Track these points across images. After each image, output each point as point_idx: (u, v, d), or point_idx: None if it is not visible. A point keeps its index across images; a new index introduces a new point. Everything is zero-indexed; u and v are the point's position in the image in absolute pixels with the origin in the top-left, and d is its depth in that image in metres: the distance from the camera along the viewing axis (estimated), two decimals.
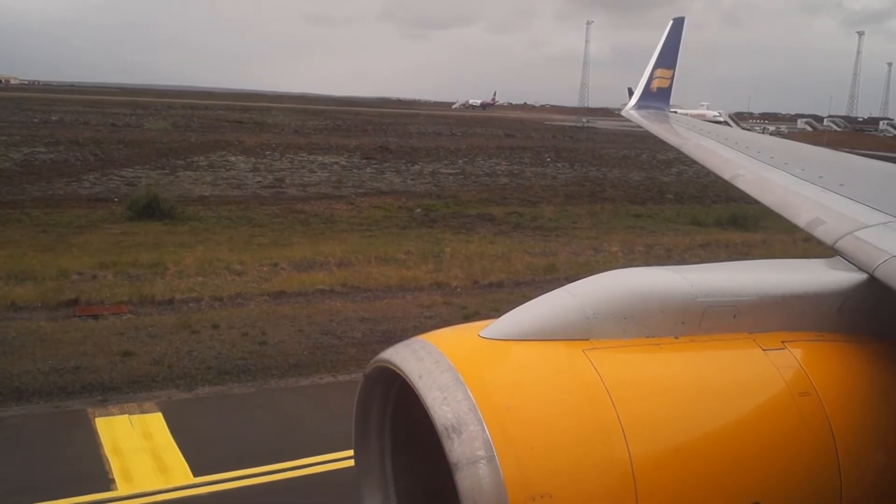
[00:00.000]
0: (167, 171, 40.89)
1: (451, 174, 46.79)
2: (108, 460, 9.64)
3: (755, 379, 2.87)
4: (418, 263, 20.72)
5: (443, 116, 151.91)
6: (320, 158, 51.59)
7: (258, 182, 38.72)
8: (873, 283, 3.18)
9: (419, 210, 31.91)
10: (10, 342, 13.38)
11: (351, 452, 3.03)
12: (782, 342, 3.01)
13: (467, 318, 15.50)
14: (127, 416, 11.00)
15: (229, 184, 37.67)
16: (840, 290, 3.20)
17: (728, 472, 2.66)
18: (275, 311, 16.09)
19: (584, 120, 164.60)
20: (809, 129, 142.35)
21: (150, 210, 26.77)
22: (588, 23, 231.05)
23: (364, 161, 51.28)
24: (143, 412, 11.14)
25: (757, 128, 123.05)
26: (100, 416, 10.93)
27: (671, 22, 12.34)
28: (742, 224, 30.26)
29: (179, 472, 9.48)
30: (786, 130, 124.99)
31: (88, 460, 9.64)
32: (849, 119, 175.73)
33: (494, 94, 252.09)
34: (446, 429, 2.36)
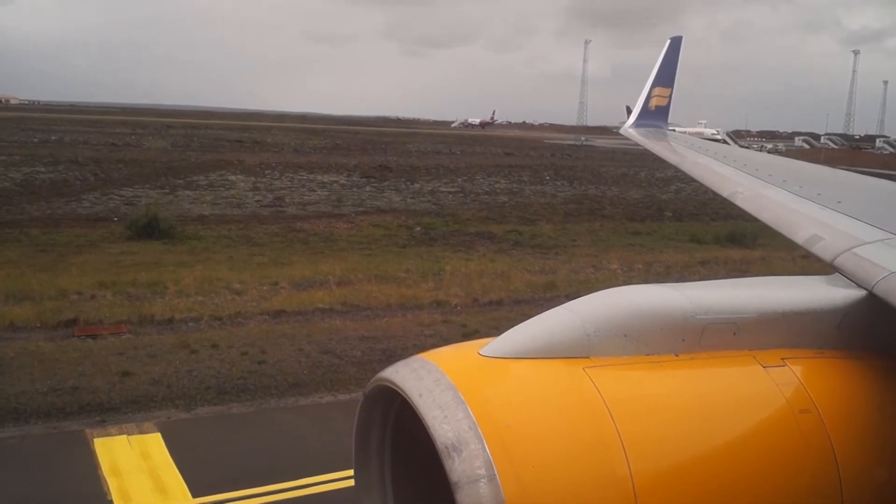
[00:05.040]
0: (167, 191, 40.95)
1: (450, 192, 46.89)
2: (106, 481, 9.58)
3: (755, 396, 2.87)
4: (418, 282, 20.71)
5: (442, 135, 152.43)
6: (320, 177, 51.68)
7: (258, 201, 38.76)
8: (872, 300, 3.18)
9: (419, 228, 31.93)
10: (8, 362, 13.33)
11: (351, 472, 3.02)
12: (782, 359, 3.01)
13: (467, 336, 15.46)
14: (125, 436, 10.94)
15: (229, 203, 37.71)
16: (839, 306, 3.20)
17: (729, 490, 2.65)
18: (274, 330, 16.05)
19: (582, 138, 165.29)
20: (807, 146, 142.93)
21: (149, 229, 26.76)
22: (586, 42, 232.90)
23: (364, 180, 51.40)
24: (141, 432, 11.09)
25: (754, 145, 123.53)
26: (98, 436, 10.87)
27: (669, 41, 12.43)
28: (741, 241, 30.30)
29: (178, 492, 9.42)
30: (783, 148, 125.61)
31: (86, 481, 9.58)
32: (846, 137, 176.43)
33: (493, 113, 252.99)
34: (447, 447, 2.36)
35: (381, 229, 31.39)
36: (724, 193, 5.82)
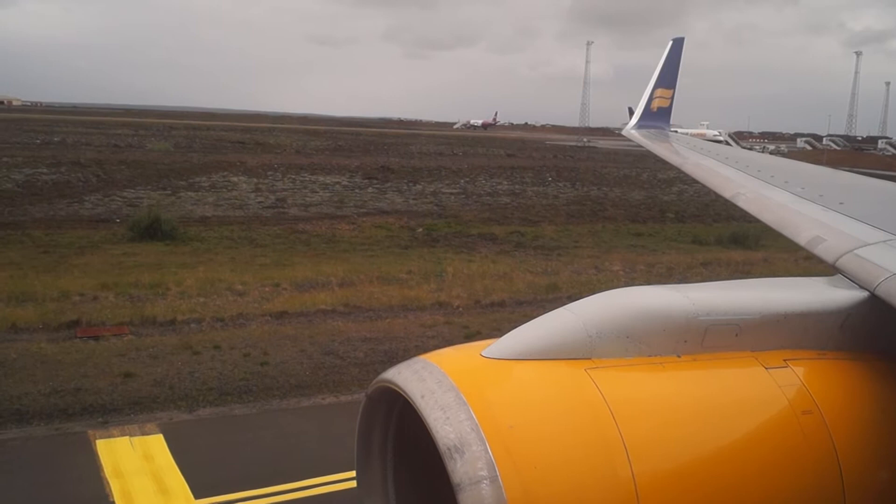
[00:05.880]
0: (169, 192, 41.01)
1: (452, 194, 46.90)
2: (108, 483, 9.58)
3: (758, 397, 2.87)
4: (420, 283, 20.70)
5: (444, 136, 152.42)
6: (322, 178, 51.73)
7: (260, 202, 38.81)
8: (874, 301, 3.18)
9: (421, 230, 31.94)
10: (10, 364, 13.34)
11: (353, 473, 3.02)
12: (784, 360, 3.01)
13: (469, 337, 15.46)
14: (128, 437, 10.95)
15: (231, 204, 37.76)
16: (841, 307, 3.20)
17: (731, 491, 2.65)
18: (276, 331, 16.06)
19: (584, 139, 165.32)
20: (809, 147, 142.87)
21: (151, 231, 26.80)
22: (588, 43, 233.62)
23: (366, 181, 51.44)
24: (144, 434, 11.09)
25: (757, 147, 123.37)
26: (100, 437, 10.88)
27: (671, 42, 12.45)
28: (743, 242, 30.30)
29: (181, 494, 9.42)
30: (785, 149, 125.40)
31: (89, 483, 9.58)
32: (848, 138, 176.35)
33: (496, 114, 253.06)
34: (449, 449, 2.36)
35: (383, 230, 31.41)
36: (727, 195, 5.82)
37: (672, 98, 12.44)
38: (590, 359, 2.74)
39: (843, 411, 2.94)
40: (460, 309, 18.52)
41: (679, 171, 8.18)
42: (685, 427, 2.68)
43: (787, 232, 4.39)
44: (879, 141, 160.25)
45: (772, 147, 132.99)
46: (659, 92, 12.36)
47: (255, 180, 48.47)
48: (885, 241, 3.64)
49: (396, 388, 2.64)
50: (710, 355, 2.94)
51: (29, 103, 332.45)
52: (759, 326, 3.04)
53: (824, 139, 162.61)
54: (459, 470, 2.32)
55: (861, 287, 3.29)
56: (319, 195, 42.84)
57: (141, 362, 13.78)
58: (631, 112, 13.64)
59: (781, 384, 2.90)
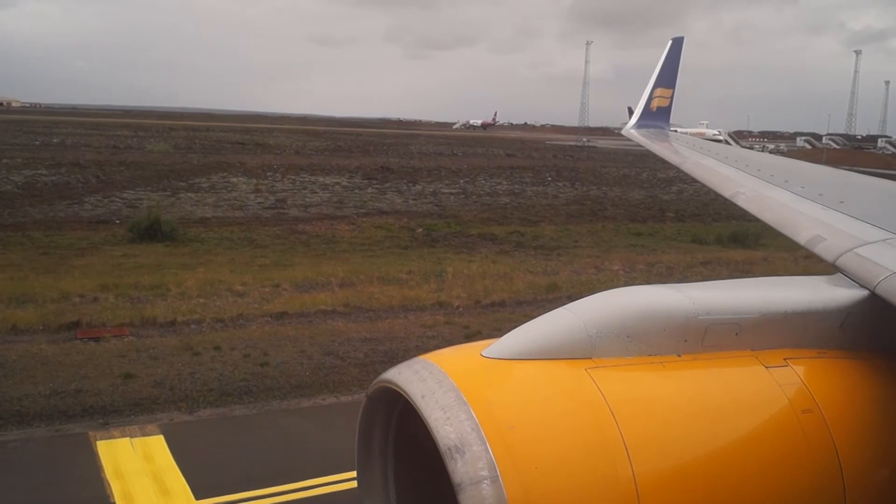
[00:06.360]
0: (169, 193, 40.98)
1: (452, 194, 46.90)
2: (109, 484, 9.58)
3: (758, 396, 2.87)
4: (420, 283, 20.70)
5: (444, 136, 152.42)
6: (322, 179, 51.72)
7: (260, 203, 38.80)
8: (875, 300, 3.18)
9: (421, 230, 31.95)
10: (10, 365, 13.33)
11: (354, 474, 3.03)
12: (785, 359, 3.01)
13: (469, 337, 15.46)
14: (128, 438, 10.94)
15: (231, 205, 37.74)
16: (842, 306, 3.20)
17: (732, 490, 2.65)
18: (277, 332, 16.06)
19: (584, 139, 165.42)
20: (808, 146, 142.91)
21: (151, 232, 26.80)
22: (587, 43, 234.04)
23: (365, 181, 51.44)
24: (144, 435, 11.09)
25: (756, 146, 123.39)
26: (101, 439, 10.87)
27: (670, 42, 12.45)
28: (743, 242, 30.32)
29: (181, 495, 9.42)
30: (785, 148, 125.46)
31: (89, 484, 9.58)
32: (847, 137, 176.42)
33: (495, 115, 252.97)
34: (449, 449, 2.36)
35: (382, 231, 31.42)
36: (726, 194, 5.83)
37: (671, 97, 12.45)
38: (590, 358, 2.74)
39: (843, 410, 2.94)
40: (460, 309, 18.52)
41: (679, 170, 8.19)
42: (686, 426, 2.68)
43: (787, 231, 4.39)
44: (879, 140, 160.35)
45: (771, 146, 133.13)
46: (658, 91, 12.37)
47: (254, 181, 48.45)
48: (885, 240, 3.64)
49: (397, 389, 2.64)
50: (710, 354, 2.94)
51: (28, 105, 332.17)
52: (760, 325, 3.04)
53: (824, 138, 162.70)
54: (460, 470, 2.32)
55: (861, 286, 3.29)
56: (319, 196, 42.84)
57: (141, 363, 13.78)
58: (630, 112, 13.66)
59: (782, 383, 2.90)
